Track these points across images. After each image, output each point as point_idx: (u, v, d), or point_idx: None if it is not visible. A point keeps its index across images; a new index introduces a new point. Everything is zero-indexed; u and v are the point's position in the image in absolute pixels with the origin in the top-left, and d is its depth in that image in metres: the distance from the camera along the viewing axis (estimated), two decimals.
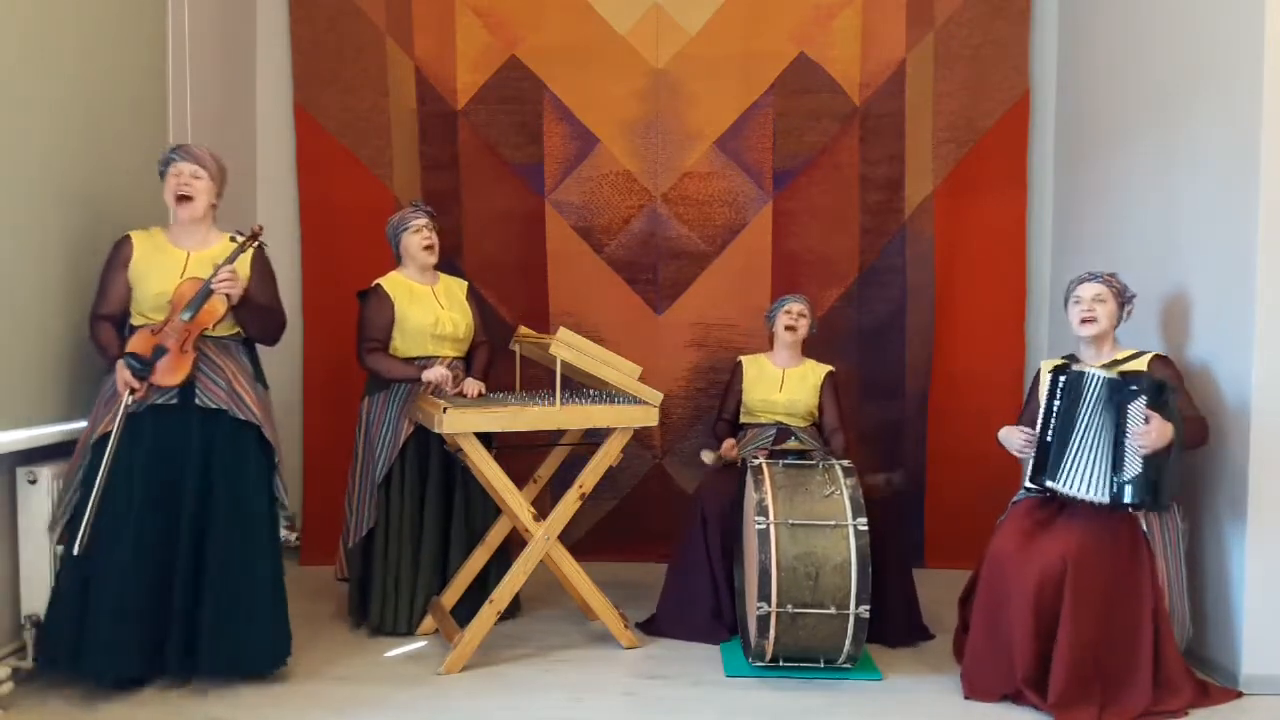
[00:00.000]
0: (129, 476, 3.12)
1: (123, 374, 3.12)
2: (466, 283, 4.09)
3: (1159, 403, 3.09)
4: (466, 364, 3.99)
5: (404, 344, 3.85)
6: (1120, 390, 3.15)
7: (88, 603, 3.08)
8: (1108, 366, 3.32)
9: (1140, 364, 3.34)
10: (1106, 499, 3.15)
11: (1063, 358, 3.51)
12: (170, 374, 3.16)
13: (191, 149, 3.35)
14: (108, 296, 3.28)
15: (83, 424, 3.32)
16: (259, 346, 3.47)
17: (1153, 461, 3.08)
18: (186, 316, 3.17)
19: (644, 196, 4.92)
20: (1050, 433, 3.27)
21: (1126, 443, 3.12)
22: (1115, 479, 3.13)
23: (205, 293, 3.20)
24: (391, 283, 3.88)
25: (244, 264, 3.33)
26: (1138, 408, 3.10)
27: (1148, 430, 3.06)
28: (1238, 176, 3.35)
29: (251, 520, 3.25)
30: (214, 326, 3.25)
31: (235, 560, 3.20)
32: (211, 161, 3.35)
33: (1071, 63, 4.70)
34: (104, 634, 3.06)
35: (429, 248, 3.90)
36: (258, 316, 3.36)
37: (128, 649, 3.08)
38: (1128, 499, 3.11)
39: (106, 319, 3.28)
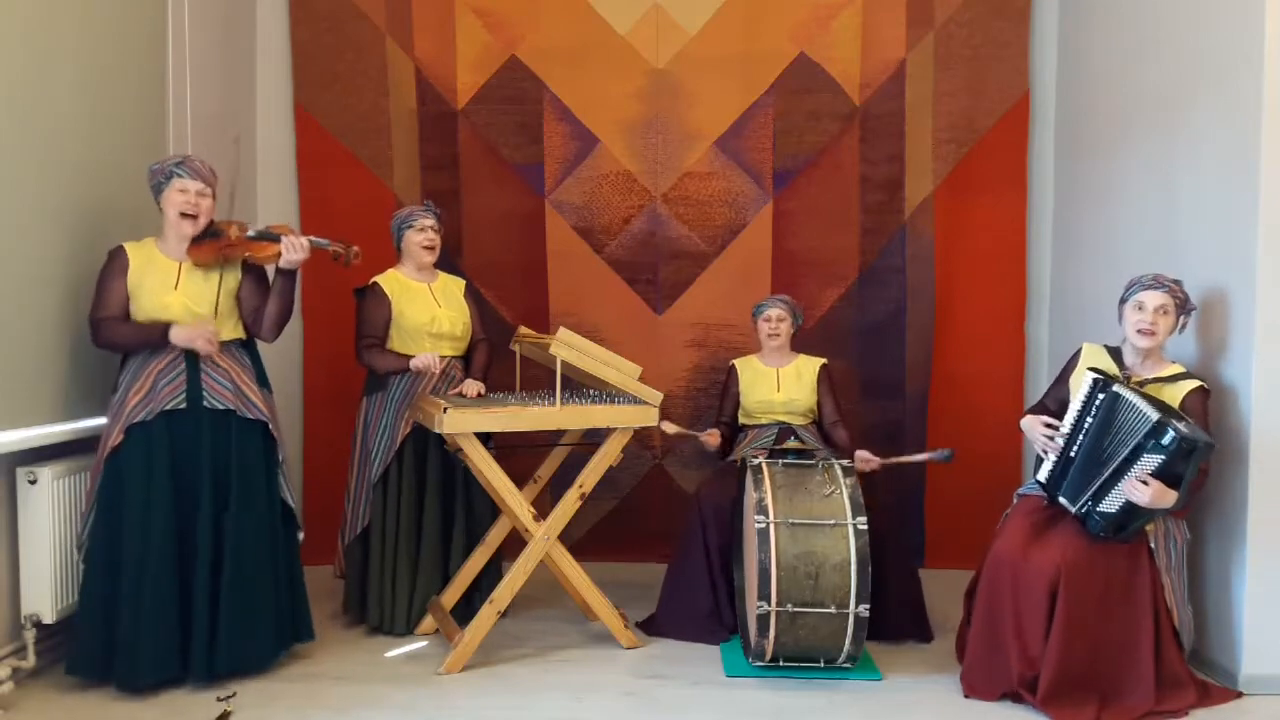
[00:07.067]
0: (147, 482, 3.13)
1: (195, 329, 3.19)
2: (464, 280, 4.10)
3: (1177, 464, 2.96)
4: (466, 364, 4.00)
5: (401, 342, 3.85)
6: (1149, 435, 2.99)
7: (116, 611, 3.10)
8: (1143, 384, 3.21)
9: (1179, 390, 3.21)
10: (1072, 511, 3.16)
11: (1107, 347, 3.38)
12: (199, 250, 3.25)
13: (196, 164, 3.30)
14: (109, 300, 3.24)
15: (81, 423, 3.35)
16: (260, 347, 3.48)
17: (1132, 509, 3.03)
18: (252, 233, 3.26)
19: (644, 196, 4.91)
20: (1076, 448, 3.18)
21: (1123, 480, 3.04)
22: (1090, 503, 3.11)
23: (275, 237, 3.27)
24: (388, 280, 3.89)
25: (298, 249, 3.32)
26: (1154, 460, 2.99)
27: (1147, 489, 2.97)
28: (1238, 177, 3.35)
29: (264, 518, 3.29)
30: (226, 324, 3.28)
31: (251, 558, 3.23)
32: (213, 177, 3.35)
33: (1071, 63, 4.70)
34: (133, 641, 3.08)
35: (429, 248, 3.91)
36: (285, 298, 3.38)
37: (157, 654, 3.10)
38: (1090, 527, 3.11)
39: (111, 319, 3.24)
